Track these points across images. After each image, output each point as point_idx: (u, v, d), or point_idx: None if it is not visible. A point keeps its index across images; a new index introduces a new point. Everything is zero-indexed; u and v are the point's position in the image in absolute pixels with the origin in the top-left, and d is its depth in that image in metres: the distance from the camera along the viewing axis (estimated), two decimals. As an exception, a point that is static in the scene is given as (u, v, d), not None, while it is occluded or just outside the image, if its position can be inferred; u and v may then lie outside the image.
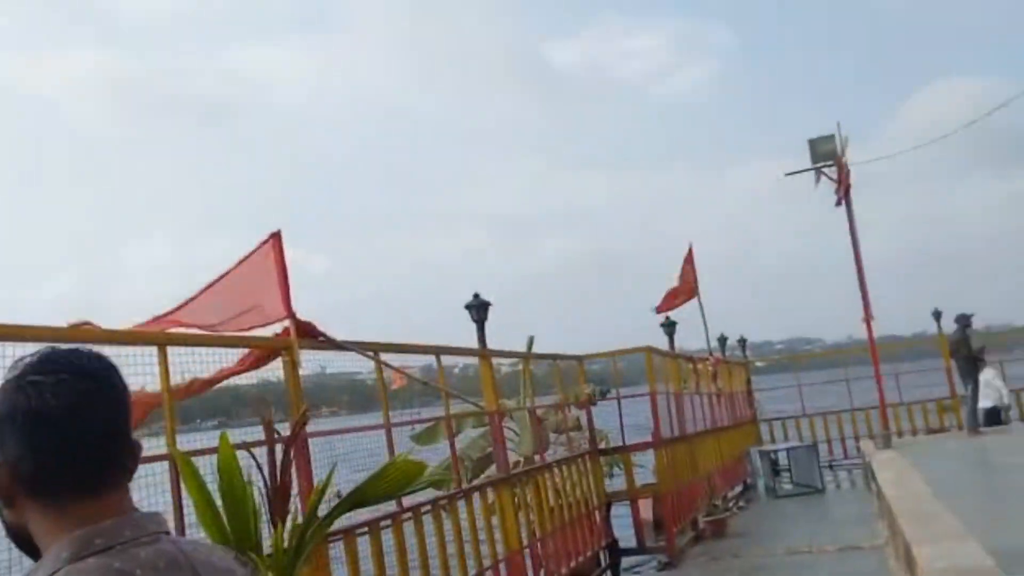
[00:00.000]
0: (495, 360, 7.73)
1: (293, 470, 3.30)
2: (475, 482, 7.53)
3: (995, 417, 14.49)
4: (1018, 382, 17.54)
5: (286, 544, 2.95)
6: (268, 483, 2.91)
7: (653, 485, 10.00)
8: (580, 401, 9.72)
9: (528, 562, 7.18)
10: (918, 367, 18.99)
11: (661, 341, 15.27)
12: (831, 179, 15.50)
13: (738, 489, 14.06)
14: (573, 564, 8.36)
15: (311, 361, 4.90)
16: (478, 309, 9.10)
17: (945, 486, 8.50)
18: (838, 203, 16.02)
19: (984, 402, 14.82)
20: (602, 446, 9.93)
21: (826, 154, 15.16)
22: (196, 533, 3.17)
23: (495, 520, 6.72)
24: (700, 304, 13.74)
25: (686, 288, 13.64)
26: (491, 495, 6.79)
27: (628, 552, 9.62)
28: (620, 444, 9.84)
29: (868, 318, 15.80)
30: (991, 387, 14.80)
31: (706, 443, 12.06)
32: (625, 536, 9.94)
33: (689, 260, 13.70)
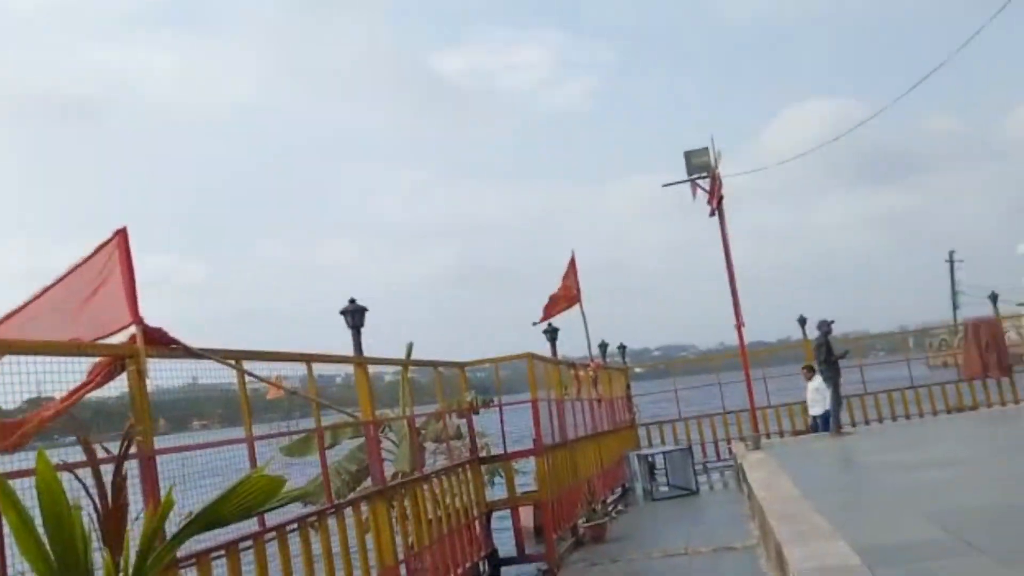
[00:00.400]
0: (377, 369, 7.47)
1: (132, 490, 2.97)
2: (350, 496, 7.22)
3: (827, 422, 15.35)
4: (875, 384, 18.60)
5: (120, 572, 2.63)
6: (98, 506, 2.59)
7: (534, 492, 9.93)
8: (462, 409, 9.55)
9: (404, 577, 6.94)
10: (784, 371, 19.83)
11: (544, 349, 15.35)
12: (705, 190, 15.99)
13: (617, 493, 14.22)
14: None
15: (182, 371, 4.51)
16: (354, 315, 8.78)
17: (812, 485, 8.80)
18: (711, 213, 16.56)
19: (814, 408, 15.69)
20: (483, 454, 9.79)
21: (701, 166, 15.62)
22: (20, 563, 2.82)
23: (370, 537, 6.44)
24: (582, 311, 13.88)
25: (567, 295, 13.73)
26: (365, 509, 6.50)
27: (508, 561, 9.50)
28: (502, 452, 9.72)
29: (739, 324, 16.36)
30: (820, 393, 15.65)
31: (587, 449, 12.11)
32: (505, 545, 9.82)
33: (572, 267, 13.79)
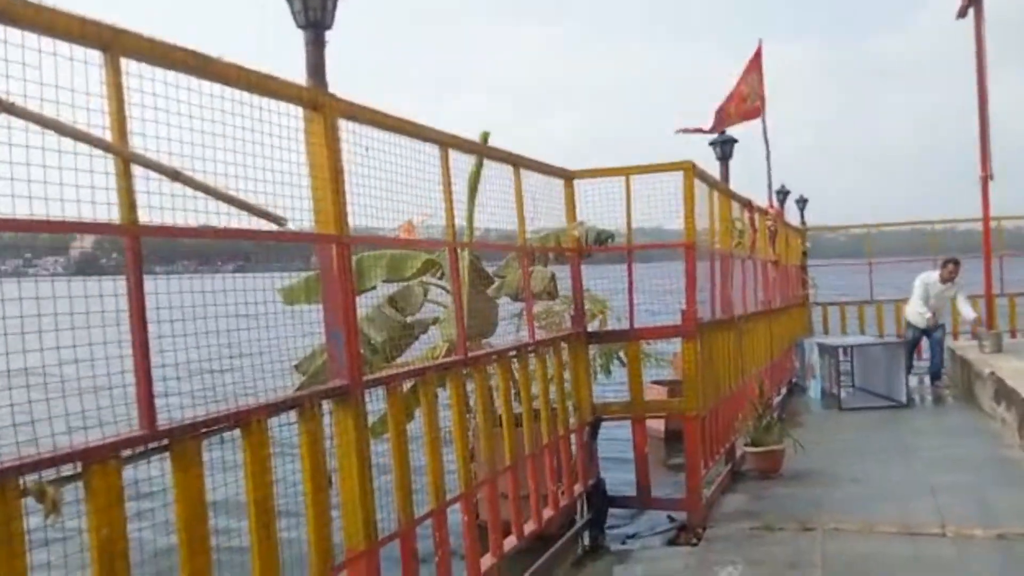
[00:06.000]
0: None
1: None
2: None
3: None
4: None
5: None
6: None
7: (673, 397, 6.12)
8: (566, 247, 5.70)
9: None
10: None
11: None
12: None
13: (781, 394, 10.17)
14: (530, 523, 4.62)
15: None
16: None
17: None
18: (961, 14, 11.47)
19: None
20: (593, 328, 6.01)
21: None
22: None
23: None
24: (764, 129, 9.47)
25: (742, 107, 9.32)
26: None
27: (620, 502, 5.83)
28: (627, 327, 5.84)
29: (985, 175, 11.50)
30: None
31: (757, 332, 8.07)
32: (618, 475, 6.15)
33: (756, 63, 9.33)
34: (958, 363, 10.67)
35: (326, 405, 3.03)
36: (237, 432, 2.61)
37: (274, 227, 2.84)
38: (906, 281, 14.88)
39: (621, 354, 6.65)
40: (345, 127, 3.23)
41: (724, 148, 8.71)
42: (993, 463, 6.60)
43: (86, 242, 3.12)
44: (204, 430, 2.45)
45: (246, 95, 2.82)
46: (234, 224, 2.79)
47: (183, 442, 2.40)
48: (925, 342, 10.90)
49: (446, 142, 3.94)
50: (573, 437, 5.39)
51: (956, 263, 10.65)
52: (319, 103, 3.04)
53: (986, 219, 11.70)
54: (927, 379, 10.75)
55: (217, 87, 2.71)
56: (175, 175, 2.45)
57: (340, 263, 3.07)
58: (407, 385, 3.64)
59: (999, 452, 6.92)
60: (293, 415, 2.84)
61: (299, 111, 3.05)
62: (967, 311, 10.57)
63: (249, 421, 2.60)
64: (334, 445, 3.10)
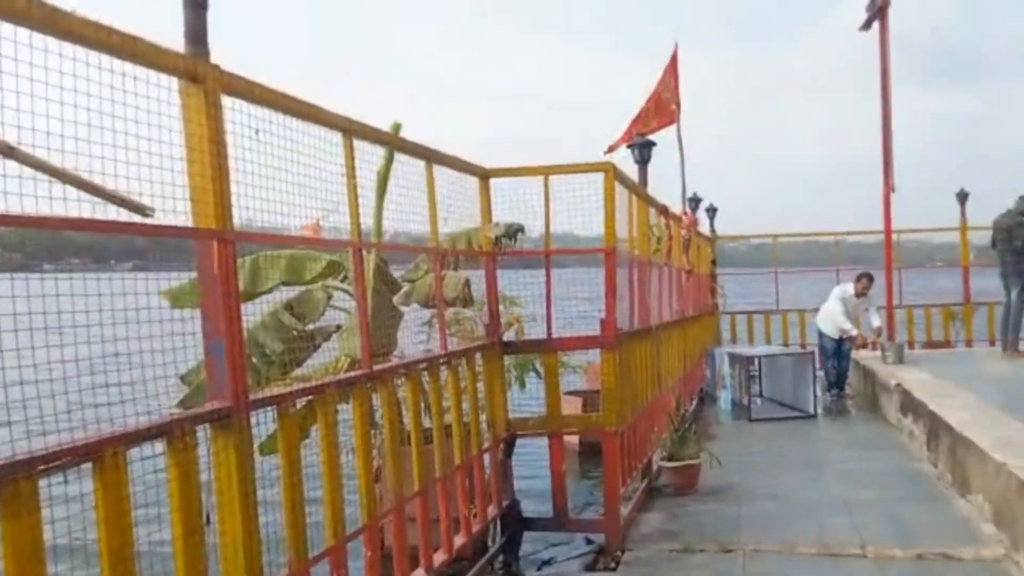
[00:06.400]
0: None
1: None
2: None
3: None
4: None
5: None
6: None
7: (591, 412, 5.84)
8: (478, 251, 5.33)
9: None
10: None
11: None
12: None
13: (693, 404, 10.08)
14: (440, 552, 4.22)
15: None
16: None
17: None
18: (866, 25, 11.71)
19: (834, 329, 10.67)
20: (509, 337, 5.67)
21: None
22: None
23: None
24: (679, 134, 9.33)
25: (660, 109, 9.17)
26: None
27: (536, 524, 5.49)
28: (542, 336, 5.52)
29: (888, 188, 11.73)
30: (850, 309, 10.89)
31: (672, 342, 7.89)
32: (531, 493, 5.82)
33: (672, 68, 9.20)
34: (861, 374, 10.82)
35: (204, 430, 2.57)
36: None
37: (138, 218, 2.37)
38: (804, 291, 15.14)
39: (537, 365, 6.33)
40: (231, 105, 2.78)
41: (643, 151, 8.51)
42: (904, 477, 6.57)
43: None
44: (42, 467, 1.96)
45: (109, 61, 2.35)
46: (98, 215, 2.33)
47: (14, 483, 1.91)
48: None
49: (350, 129, 3.52)
50: (487, 456, 5.03)
51: (870, 278, 10.79)
52: (199, 74, 2.58)
53: (888, 232, 11.94)
54: (828, 389, 10.83)
55: (70, 48, 2.23)
56: (8, 151, 1.97)
57: (222, 262, 2.61)
58: (302, 403, 3.20)
59: (909, 466, 6.92)
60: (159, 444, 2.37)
61: (175, 83, 2.59)
62: (875, 321, 10.72)
63: (102, 454, 2.12)
64: (212, 477, 2.64)
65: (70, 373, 2.36)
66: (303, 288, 5.51)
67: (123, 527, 2.17)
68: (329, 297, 5.44)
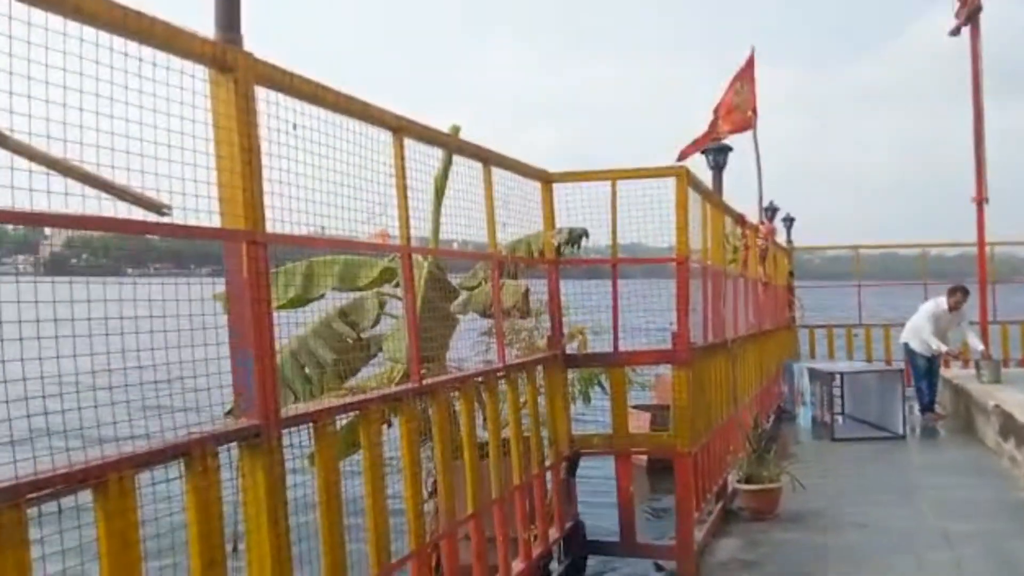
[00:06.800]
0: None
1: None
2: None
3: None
4: None
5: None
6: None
7: (661, 430, 5.48)
8: (539, 259, 5.04)
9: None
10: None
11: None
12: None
13: (770, 421, 9.54)
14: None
15: None
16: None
17: None
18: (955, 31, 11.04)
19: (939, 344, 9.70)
20: (571, 349, 5.35)
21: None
22: None
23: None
24: (755, 141, 8.88)
25: (732, 117, 8.73)
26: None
27: (601, 549, 5.15)
28: (608, 349, 5.18)
29: (980, 198, 11.01)
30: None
31: (748, 357, 7.45)
32: (597, 515, 5.48)
33: (748, 71, 8.76)
34: (953, 393, 10.11)
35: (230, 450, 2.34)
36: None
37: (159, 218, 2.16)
38: (884, 305, 14.35)
39: (602, 379, 5.99)
40: (267, 97, 2.56)
41: (718, 157, 8.09)
42: (1009, 508, 6.00)
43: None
44: (30, 495, 1.74)
45: (131, 46, 2.14)
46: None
47: None
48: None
49: (400, 127, 3.27)
50: (548, 474, 4.72)
51: (965, 291, 9.98)
52: (229, 63, 2.37)
53: (981, 244, 11.22)
54: (916, 409, 10.15)
55: (92, 32, 2.04)
56: (1, 140, 1.77)
57: (252, 267, 2.38)
58: (343, 420, 2.95)
59: (1014, 495, 6.32)
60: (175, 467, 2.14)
61: (205, 72, 2.38)
62: (976, 343, 9.97)
63: (105, 479, 1.90)
64: (240, 501, 2.41)
65: (125, 381, 2.17)
66: (357, 295, 5.31)
67: (129, 561, 1.94)
68: (383, 304, 5.23)
